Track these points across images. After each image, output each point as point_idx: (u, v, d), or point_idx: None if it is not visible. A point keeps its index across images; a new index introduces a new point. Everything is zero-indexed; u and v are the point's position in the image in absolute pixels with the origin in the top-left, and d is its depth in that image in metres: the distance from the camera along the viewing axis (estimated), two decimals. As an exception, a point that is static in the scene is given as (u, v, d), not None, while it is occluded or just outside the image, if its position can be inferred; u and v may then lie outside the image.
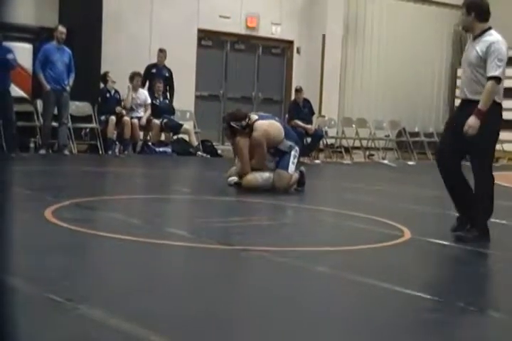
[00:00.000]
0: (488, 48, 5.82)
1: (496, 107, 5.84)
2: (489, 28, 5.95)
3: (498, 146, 18.92)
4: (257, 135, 8.28)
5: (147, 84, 13.72)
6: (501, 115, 5.95)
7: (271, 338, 3.15)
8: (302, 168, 8.72)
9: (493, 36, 5.90)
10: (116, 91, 12.97)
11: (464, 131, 5.68)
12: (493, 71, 5.76)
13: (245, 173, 8.35)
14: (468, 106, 5.85)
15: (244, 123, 8.33)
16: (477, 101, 5.75)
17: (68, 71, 12.01)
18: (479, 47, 5.85)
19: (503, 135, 19.81)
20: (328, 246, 5.35)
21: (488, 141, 5.89)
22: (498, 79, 5.76)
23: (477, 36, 5.94)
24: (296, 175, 8.54)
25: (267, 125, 8.43)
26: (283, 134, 8.44)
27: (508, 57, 6.10)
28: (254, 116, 8.53)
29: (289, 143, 8.45)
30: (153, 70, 13.68)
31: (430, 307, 3.82)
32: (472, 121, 5.67)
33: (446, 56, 19.80)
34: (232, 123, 8.36)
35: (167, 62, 13.82)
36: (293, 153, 8.42)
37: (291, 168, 8.39)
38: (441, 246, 5.72)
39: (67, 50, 12.09)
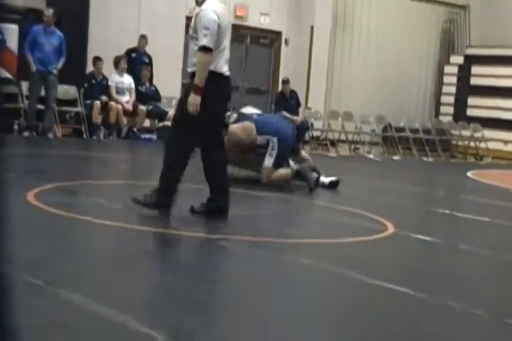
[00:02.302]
0: (196, 17, 5.56)
1: (217, 78, 5.54)
2: None
3: (482, 144, 18.90)
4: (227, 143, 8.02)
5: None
6: (226, 87, 5.66)
7: (249, 327, 3.13)
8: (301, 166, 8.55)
9: (205, 5, 5.58)
10: (104, 77, 12.88)
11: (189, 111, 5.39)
12: (200, 40, 5.46)
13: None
14: (191, 78, 5.58)
15: None
16: (194, 73, 5.49)
17: (57, 54, 11.89)
18: (197, 17, 5.58)
19: (487, 133, 19.89)
20: (310, 239, 5.34)
21: (208, 113, 5.51)
22: (206, 49, 5.43)
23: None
24: (284, 171, 8.40)
25: (234, 132, 8.26)
26: (254, 132, 8.31)
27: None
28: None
29: (264, 137, 8.34)
30: (133, 55, 13.58)
31: (409, 301, 3.81)
32: (191, 99, 5.39)
33: (433, 52, 19.80)
34: None
35: (153, 48, 13.73)
36: (269, 147, 8.31)
37: (268, 160, 8.27)
38: (423, 241, 5.72)
39: (58, 33, 11.97)
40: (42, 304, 3.20)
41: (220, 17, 5.56)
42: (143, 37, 13.67)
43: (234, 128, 8.30)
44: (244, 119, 8.47)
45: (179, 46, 15.07)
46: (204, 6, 5.59)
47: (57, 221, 5.14)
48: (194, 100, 5.40)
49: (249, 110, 8.86)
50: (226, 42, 5.66)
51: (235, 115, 8.50)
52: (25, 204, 5.48)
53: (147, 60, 13.68)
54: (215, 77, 5.52)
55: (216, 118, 5.75)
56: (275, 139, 8.34)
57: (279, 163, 8.27)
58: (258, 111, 8.97)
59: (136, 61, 13.47)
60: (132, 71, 13.25)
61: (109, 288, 3.57)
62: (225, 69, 5.61)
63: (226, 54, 5.65)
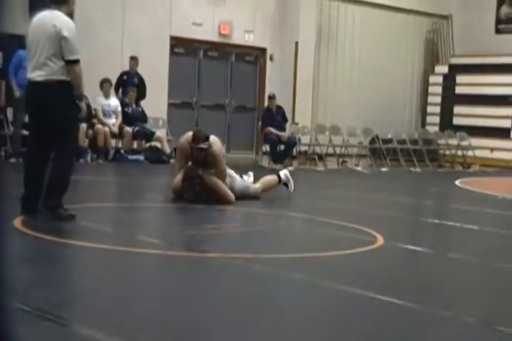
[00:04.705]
0: None
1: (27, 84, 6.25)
2: None
3: (469, 152, 18.91)
4: (217, 149, 7.89)
5: (120, 91, 13.69)
6: (27, 91, 6.31)
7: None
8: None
9: None
10: (86, 98, 12.87)
11: None
12: None
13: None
14: None
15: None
16: None
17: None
18: None
19: (474, 141, 20.02)
20: (302, 253, 5.34)
21: None
22: None
23: None
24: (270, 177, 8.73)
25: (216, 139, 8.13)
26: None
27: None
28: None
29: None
30: (125, 77, 13.67)
31: (400, 311, 3.81)
32: None
33: (418, 63, 19.92)
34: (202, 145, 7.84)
35: (139, 70, 13.79)
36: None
37: (243, 179, 8.47)
38: (413, 251, 5.73)
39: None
40: (29, 329, 3.18)
41: (31, 26, 6.21)
42: (132, 59, 13.76)
43: (214, 137, 8.07)
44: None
45: (165, 66, 15.14)
46: None
47: (45, 246, 5.12)
48: None
49: None
50: (35, 49, 6.14)
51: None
52: (12, 230, 5.46)
53: (137, 81, 13.73)
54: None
55: (29, 118, 6.51)
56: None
57: None
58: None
59: (127, 83, 13.56)
60: (124, 93, 13.37)
61: (101, 312, 3.55)
62: (30, 75, 6.19)
63: (33, 60, 6.16)
